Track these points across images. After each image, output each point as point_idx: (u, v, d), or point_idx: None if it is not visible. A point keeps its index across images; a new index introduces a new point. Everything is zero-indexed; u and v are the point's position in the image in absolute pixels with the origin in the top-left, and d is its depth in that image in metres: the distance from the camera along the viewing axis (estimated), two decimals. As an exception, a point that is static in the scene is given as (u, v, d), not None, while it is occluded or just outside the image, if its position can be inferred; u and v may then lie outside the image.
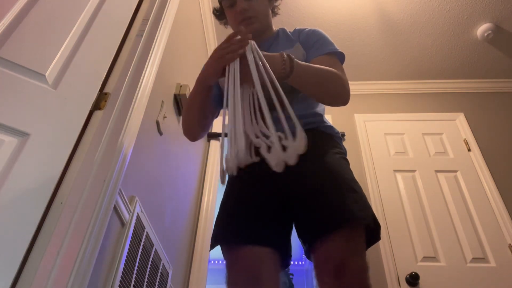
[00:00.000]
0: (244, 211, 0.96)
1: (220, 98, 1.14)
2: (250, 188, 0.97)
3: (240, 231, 0.93)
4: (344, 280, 0.77)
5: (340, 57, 1.10)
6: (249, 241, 0.90)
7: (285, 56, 0.88)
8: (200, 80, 0.98)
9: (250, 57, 0.83)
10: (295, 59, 0.90)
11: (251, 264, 0.88)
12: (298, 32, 1.18)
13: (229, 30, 1.14)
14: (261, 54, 0.85)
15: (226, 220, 0.98)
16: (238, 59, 0.85)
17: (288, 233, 0.98)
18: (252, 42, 0.87)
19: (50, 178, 0.96)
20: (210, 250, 0.97)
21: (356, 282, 0.78)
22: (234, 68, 0.83)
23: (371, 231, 0.87)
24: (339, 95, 1.00)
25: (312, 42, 1.12)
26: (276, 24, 1.26)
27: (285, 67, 0.87)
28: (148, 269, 1.41)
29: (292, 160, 0.72)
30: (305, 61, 1.07)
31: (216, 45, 2.86)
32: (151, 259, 1.44)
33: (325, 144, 1.01)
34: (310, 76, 0.94)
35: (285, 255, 0.95)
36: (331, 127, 1.07)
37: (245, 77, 0.83)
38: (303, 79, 0.92)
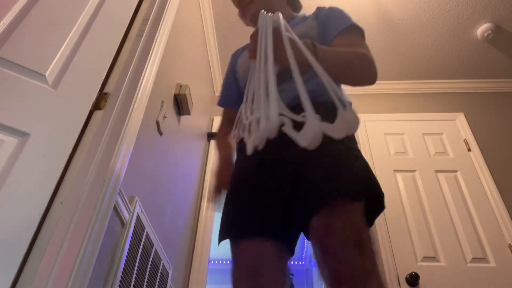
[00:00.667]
0: (245, 204, 0.96)
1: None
2: (250, 181, 0.98)
3: (241, 225, 0.94)
4: (327, 255, 0.74)
5: (361, 33, 1.05)
6: (249, 233, 0.91)
7: (309, 43, 0.83)
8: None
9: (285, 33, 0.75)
10: (319, 46, 0.85)
11: (251, 258, 0.88)
12: (318, 10, 1.14)
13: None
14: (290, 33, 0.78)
15: (229, 214, 0.99)
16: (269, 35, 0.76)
17: (292, 224, 0.95)
18: (280, 17, 0.80)
19: (50, 178, 0.96)
20: (218, 245, 0.98)
21: (339, 254, 0.73)
22: (266, 43, 0.74)
23: (371, 201, 0.83)
24: (365, 77, 0.96)
25: (333, 18, 1.08)
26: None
27: (309, 46, 0.81)
28: (148, 269, 1.41)
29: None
30: (318, 34, 1.03)
31: (216, 45, 2.87)
32: (151, 259, 1.44)
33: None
34: (335, 62, 0.89)
35: (291, 247, 0.94)
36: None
37: (279, 55, 0.76)
38: (327, 66, 0.86)
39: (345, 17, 1.07)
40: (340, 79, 0.97)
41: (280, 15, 0.80)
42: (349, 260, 0.73)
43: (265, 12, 0.80)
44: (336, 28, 1.03)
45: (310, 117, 0.63)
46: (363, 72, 0.95)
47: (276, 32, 0.76)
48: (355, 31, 1.04)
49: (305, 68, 0.77)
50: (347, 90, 1.07)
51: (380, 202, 0.86)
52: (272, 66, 0.71)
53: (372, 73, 0.95)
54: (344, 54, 0.92)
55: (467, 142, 2.69)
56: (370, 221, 0.84)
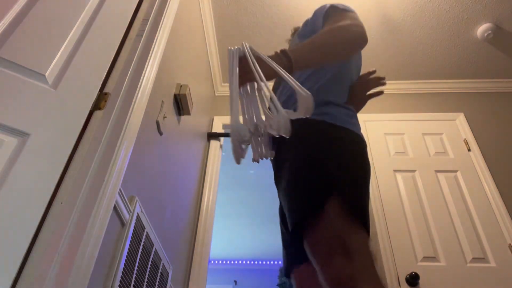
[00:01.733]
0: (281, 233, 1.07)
1: None
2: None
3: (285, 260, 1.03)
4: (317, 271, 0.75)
5: (340, 9, 1.07)
6: (289, 265, 1.00)
7: (278, 51, 0.90)
8: None
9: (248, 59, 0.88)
10: (287, 49, 0.90)
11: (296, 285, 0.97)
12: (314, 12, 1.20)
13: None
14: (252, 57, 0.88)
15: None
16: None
17: None
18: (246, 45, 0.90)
19: (50, 178, 0.96)
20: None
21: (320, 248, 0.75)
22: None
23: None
24: (349, 45, 0.96)
25: (316, 11, 1.14)
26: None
27: (282, 61, 0.87)
28: (148, 269, 1.41)
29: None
30: (313, 32, 1.06)
31: (216, 45, 2.87)
32: (151, 259, 1.44)
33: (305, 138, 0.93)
34: (310, 53, 0.92)
35: None
36: (335, 117, 0.95)
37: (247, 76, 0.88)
38: (306, 61, 0.91)
39: (325, 5, 1.11)
40: (328, 60, 0.98)
41: (246, 44, 0.90)
42: (329, 275, 0.71)
43: (231, 48, 0.91)
44: (319, 20, 1.08)
45: (279, 111, 0.77)
46: (341, 42, 0.95)
47: (241, 59, 0.88)
48: (334, 11, 1.07)
49: (273, 76, 0.86)
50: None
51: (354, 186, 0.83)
52: (235, 86, 0.85)
53: (350, 37, 0.95)
54: (316, 39, 0.94)
55: (467, 142, 2.69)
56: (355, 208, 0.79)
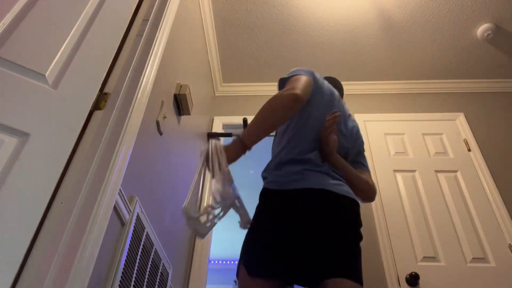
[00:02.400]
0: None
1: None
2: None
3: None
4: None
5: (280, 82, 1.21)
6: None
7: (235, 137, 1.09)
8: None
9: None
10: (244, 130, 1.09)
11: None
12: None
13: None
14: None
15: None
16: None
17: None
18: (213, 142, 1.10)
19: (50, 178, 0.96)
20: None
21: None
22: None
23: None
24: (283, 110, 1.08)
25: None
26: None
27: (237, 142, 1.08)
28: (148, 269, 1.41)
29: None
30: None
31: (216, 45, 2.87)
32: (151, 259, 1.44)
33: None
34: (255, 128, 1.08)
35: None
36: (268, 182, 1.14)
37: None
38: (254, 134, 1.07)
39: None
40: (269, 127, 1.11)
41: (212, 142, 1.10)
42: None
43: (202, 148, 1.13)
44: None
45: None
46: (274, 111, 1.08)
47: (202, 154, 1.10)
48: (281, 83, 1.21)
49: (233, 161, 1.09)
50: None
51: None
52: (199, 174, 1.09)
53: (279, 103, 1.07)
54: (256, 114, 1.09)
55: (467, 142, 2.69)
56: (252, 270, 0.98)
